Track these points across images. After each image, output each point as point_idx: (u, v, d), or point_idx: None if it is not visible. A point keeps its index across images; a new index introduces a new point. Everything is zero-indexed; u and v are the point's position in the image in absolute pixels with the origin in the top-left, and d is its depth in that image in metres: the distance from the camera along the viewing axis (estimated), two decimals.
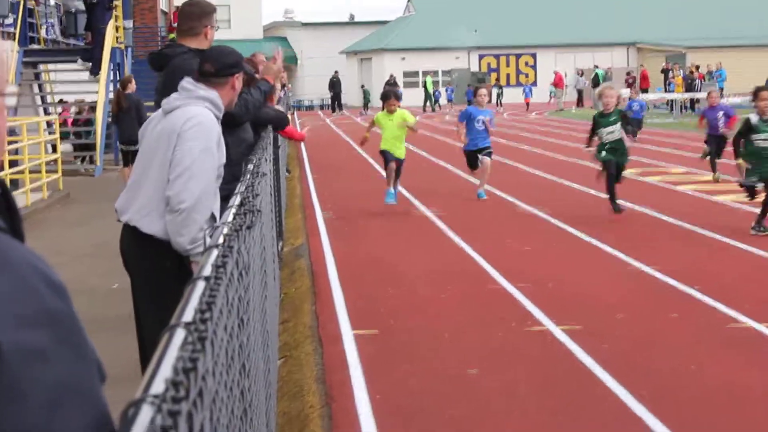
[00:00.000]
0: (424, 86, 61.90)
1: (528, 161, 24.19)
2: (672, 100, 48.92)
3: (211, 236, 3.29)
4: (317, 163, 25.19)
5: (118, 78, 25.22)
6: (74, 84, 26.58)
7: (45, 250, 10.77)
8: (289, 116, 21.96)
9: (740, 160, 13.50)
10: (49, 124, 22.23)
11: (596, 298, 9.65)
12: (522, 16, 75.50)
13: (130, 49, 28.28)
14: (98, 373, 1.53)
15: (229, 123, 6.25)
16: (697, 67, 51.05)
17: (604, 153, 14.71)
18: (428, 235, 13.61)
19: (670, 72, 52.76)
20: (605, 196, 14.87)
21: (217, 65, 5.61)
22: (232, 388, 2.51)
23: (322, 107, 71.18)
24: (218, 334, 2.16)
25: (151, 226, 5.34)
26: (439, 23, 73.48)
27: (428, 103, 60.49)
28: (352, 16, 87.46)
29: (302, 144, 27.38)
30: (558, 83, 60.53)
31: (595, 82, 59.29)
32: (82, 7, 26.99)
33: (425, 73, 66.15)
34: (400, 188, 16.16)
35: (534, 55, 75.01)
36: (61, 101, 27.08)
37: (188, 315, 1.89)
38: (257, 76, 7.45)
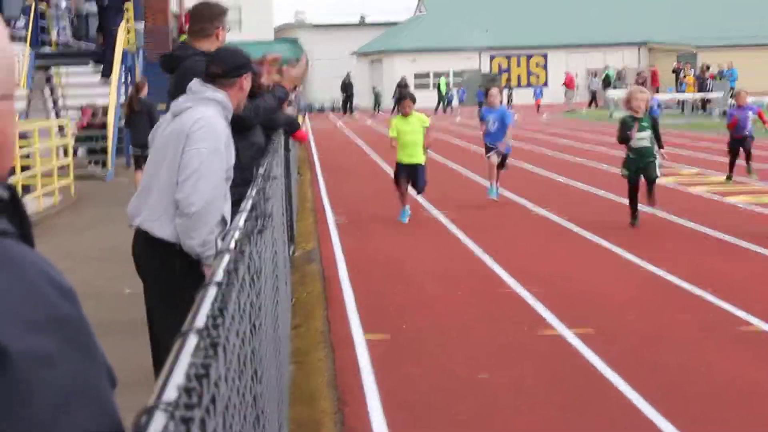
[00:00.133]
0: (438, 88, 61.74)
1: (541, 163, 24.16)
2: (683, 101, 48.71)
3: (222, 240, 3.29)
4: (328, 165, 25.17)
5: (129, 80, 25.22)
6: (86, 87, 26.56)
7: (54, 254, 10.77)
8: (300, 120, 21.95)
9: None
10: (60, 128, 22.17)
11: (607, 299, 9.64)
12: (533, 16, 75.36)
13: (141, 51, 28.28)
14: (108, 378, 1.52)
15: (239, 126, 6.24)
16: (708, 67, 50.75)
17: (627, 171, 13.80)
18: (441, 238, 13.58)
19: (681, 71, 52.49)
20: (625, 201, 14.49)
21: (225, 66, 5.60)
22: (245, 394, 2.50)
23: (333, 109, 70.92)
24: (230, 339, 2.15)
25: (162, 230, 5.32)
26: (450, 24, 73.39)
27: (441, 105, 60.35)
28: (363, 18, 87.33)
29: (312, 146, 27.29)
30: (569, 84, 60.39)
31: (606, 83, 59.24)
32: (94, 9, 27.01)
33: (437, 75, 65.95)
34: (414, 195, 15.46)
35: (545, 56, 74.88)
36: (81, 106, 26.97)
37: (200, 321, 1.88)
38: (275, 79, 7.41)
